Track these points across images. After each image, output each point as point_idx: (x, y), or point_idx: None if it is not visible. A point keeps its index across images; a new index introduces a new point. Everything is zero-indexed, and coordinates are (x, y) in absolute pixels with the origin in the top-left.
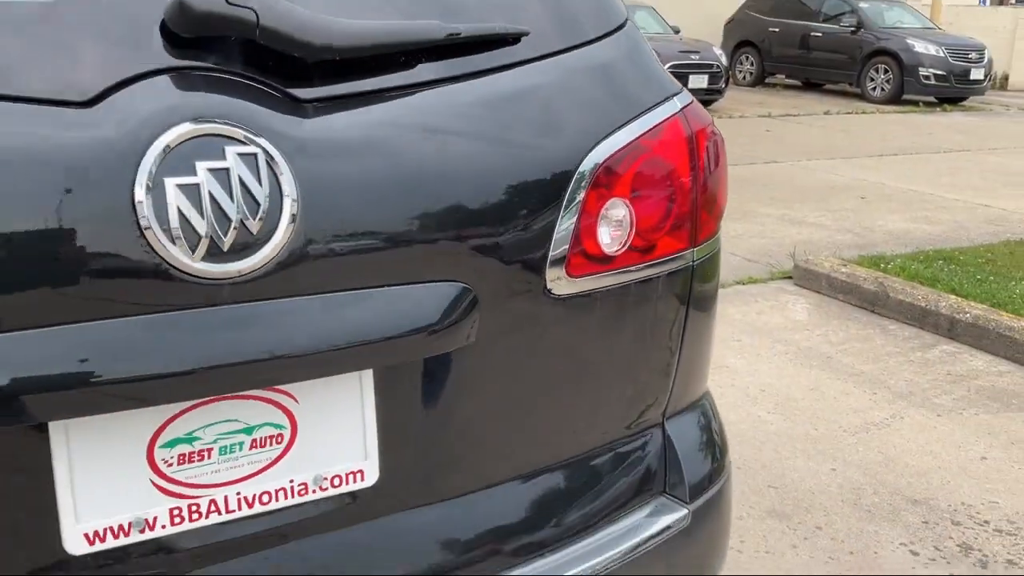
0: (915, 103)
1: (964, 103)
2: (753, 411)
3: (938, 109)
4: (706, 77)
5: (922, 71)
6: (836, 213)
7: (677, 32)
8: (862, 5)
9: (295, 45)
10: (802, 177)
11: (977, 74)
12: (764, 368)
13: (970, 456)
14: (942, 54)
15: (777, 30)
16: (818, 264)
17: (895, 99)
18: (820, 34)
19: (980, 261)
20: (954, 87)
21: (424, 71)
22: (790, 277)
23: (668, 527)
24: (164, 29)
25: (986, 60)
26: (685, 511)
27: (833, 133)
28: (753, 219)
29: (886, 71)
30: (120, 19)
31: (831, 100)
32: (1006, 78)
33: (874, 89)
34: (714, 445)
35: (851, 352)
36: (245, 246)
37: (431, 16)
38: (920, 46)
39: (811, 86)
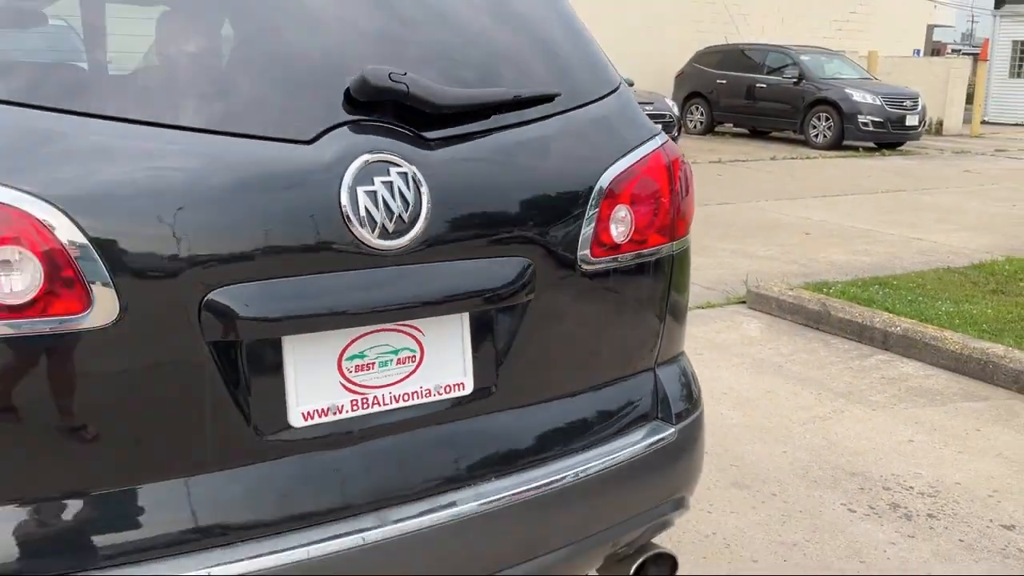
0: (855, 148)
1: (901, 148)
2: (717, 409)
3: (877, 154)
4: (660, 126)
5: (861, 118)
6: (783, 247)
7: (631, 84)
8: (803, 58)
9: (426, 105)
10: (752, 216)
11: (912, 120)
12: (725, 376)
13: (899, 440)
14: (879, 102)
15: (724, 82)
16: (768, 289)
17: (836, 145)
18: (765, 85)
19: (911, 285)
20: (891, 133)
21: (499, 120)
22: (744, 302)
23: (661, 439)
24: (348, 95)
25: (920, 107)
26: (672, 430)
27: (780, 177)
28: (709, 253)
29: (827, 119)
30: (325, 90)
31: (777, 147)
32: (940, 124)
33: (816, 136)
34: (690, 388)
35: (799, 362)
36: (400, 230)
37: (501, 82)
38: (858, 95)
39: (758, 134)
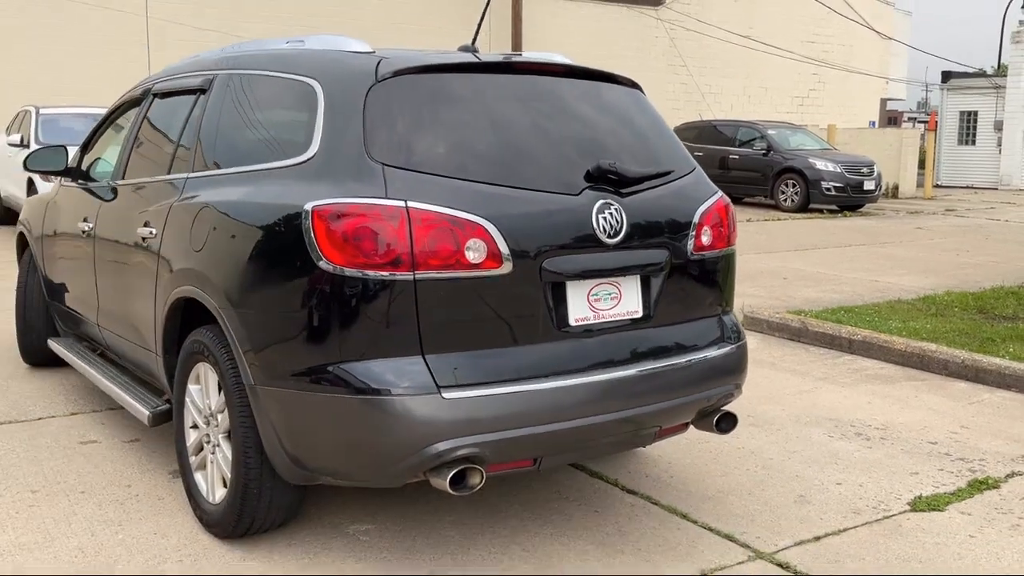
0: (820, 211)
1: (861, 209)
2: None
3: (839, 215)
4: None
5: (824, 184)
6: (766, 288)
7: None
8: (770, 132)
9: (621, 175)
10: (739, 267)
11: (869, 185)
12: None
13: (861, 402)
14: (839, 170)
15: (701, 154)
16: (759, 313)
17: (803, 208)
18: (737, 156)
19: (870, 311)
20: (851, 196)
21: (650, 183)
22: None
23: (729, 349)
24: (588, 172)
25: (876, 173)
26: (734, 346)
27: (755, 235)
28: None
29: (794, 185)
30: (580, 168)
31: (750, 210)
32: (896, 188)
33: (785, 200)
34: (738, 327)
35: (787, 361)
36: (614, 234)
37: (647, 164)
38: (820, 164)
39: (733, 199)
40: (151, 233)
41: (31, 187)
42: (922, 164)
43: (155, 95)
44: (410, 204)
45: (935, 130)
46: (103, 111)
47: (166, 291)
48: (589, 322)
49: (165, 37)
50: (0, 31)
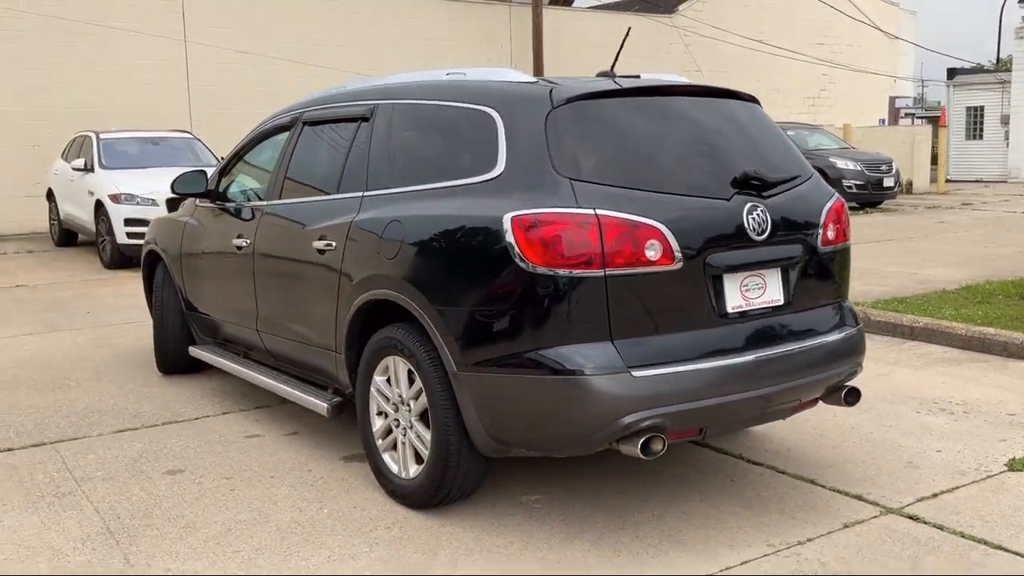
0: None
1: (881, 206)
2: None
3: (861, 212)
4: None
5: (845, 182)
6: None
7: None
8: (789, 133)
9: (763, 180)
10: None
11: (889, 182)
12: None
13: (935, 383)
14: (859, 168)
15: None
16: None
17: None
18: None
19: (920, 302)
20: (872, 193)
21: (783, 187)
22: None
23: (853, 332)
24: (735, 179)
25: (894, 170)
26: (856, 328)
27: None
28: None
29: None
30: (728, 175)
31: None
32: (910, 184)
33: None
34: (855, 312)
35: None
36: (761, 232)
37: (779, 171)
38: (841, 163)
39: None
40: (330, 246)
41: (99, 209)
42: (933, 160)
43: (306, 123)
44: (599, 211)
45: (946, 126)
46: (156, 134)
47: (351, 296)
48: (742, 309)
49: (204, 61)
50: (49, 64)
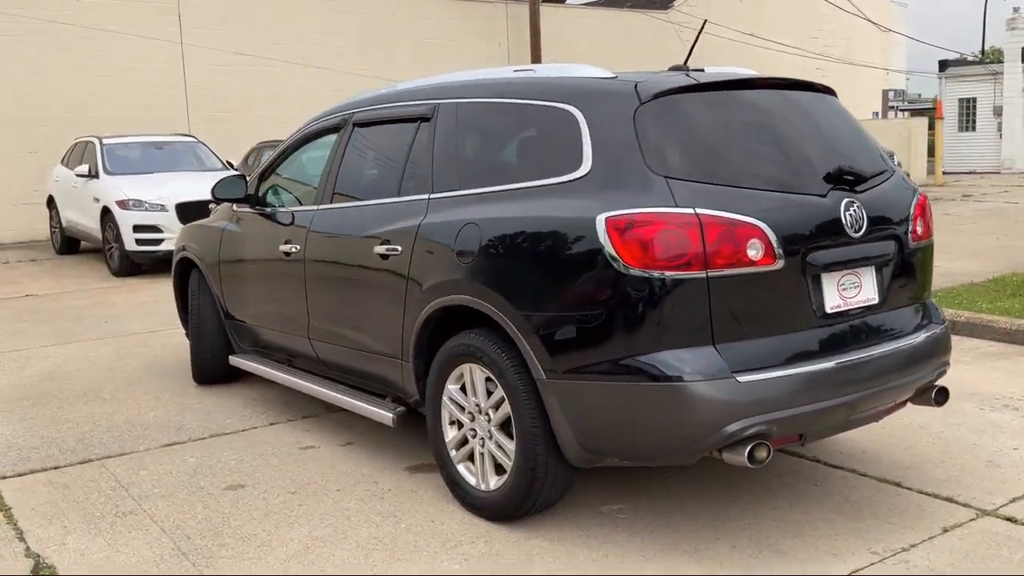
0: None
1: None
2: None
3: None
4: None
5: None
6: None
7: None
8: None
9: (856, 175)
10: None
11: None
12: None
13: (990, 377)
14: None
15: None
16: None
17: None
18: None
19: (952, 295)
20: None
21: (873, 181)
22: None
23: (940, 330)
24: (828, 174)
25: (896, 163)
26: (943, 327)
27: None
28: None
29: None
30: (821, 172)
31: None
32: (908, 175)
33: None
34: (938, 309)
35: None
36: (859, 228)
37: (865, 168)
38: None
39: None
40: (394, 251)
41: (105, 216)
42: (929, 152)
43: (356, 125)
44: (698, 211)
45: (942, 118)
46: (160, 138)
47: (420, 302)
48: (840, 309)
49: (200, 63)
50: (44, 69)
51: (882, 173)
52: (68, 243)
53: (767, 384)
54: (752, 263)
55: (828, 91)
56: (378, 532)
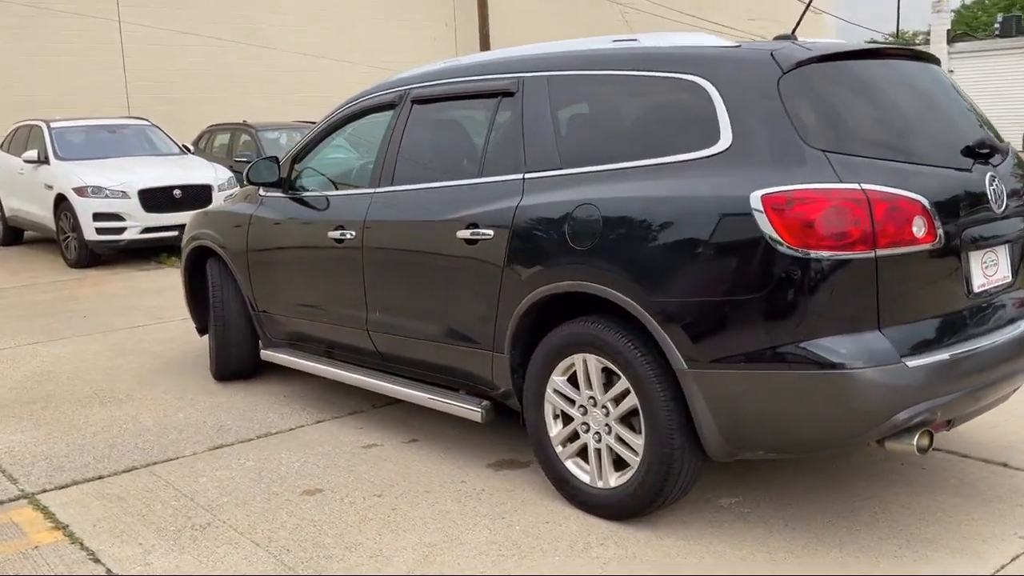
0: None
1: None
2: None
3: None
4: None
5: None
6: None
7: None
8: None
9: (992, 148)
10: None
11: None
12: None
13: None
14: None
15: None
16: None
17: None
18: None
19: None
20: None
21: (1001, 156)
22: None
23: None
24: (967, 148)
25: None
26: None
27: None
28: None
29: None
30: (960, 146)
31: None
32: None
33: None
34: None
35: None
36: (1001, 204)
37: (985, 132)
38: None
39: None
40: (484, 235)
41: (60, 204)
42: None
43: (415, 102)
44: (864, 186)
45: None
46: (110, 122)
47: (521, 289)
48: (984, 288)
49: (140, 43)
50: None
51: (1003, 146)
52: (11, 233)
53: (933, 368)
54: (916, 241)
55: (935, 60)
56: (494, 536)
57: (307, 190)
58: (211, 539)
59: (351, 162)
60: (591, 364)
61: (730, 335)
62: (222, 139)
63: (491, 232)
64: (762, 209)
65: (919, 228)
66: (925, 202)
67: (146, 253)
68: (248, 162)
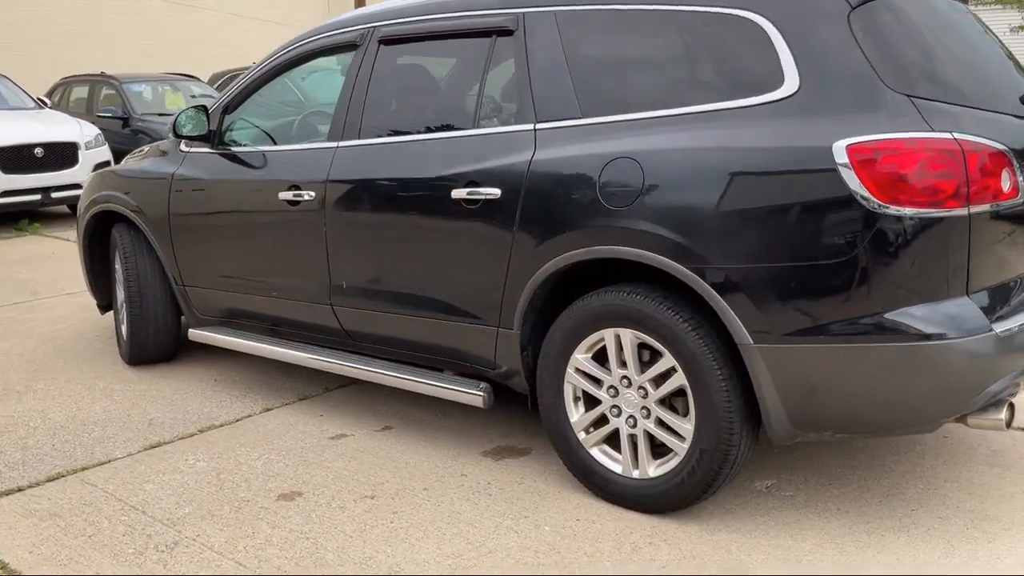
0: None
1: None
2: None
3: None
4: None
5: None
6: None
7: None
8: None
9: None
10: None
11: None
12: None
13: None
14: None
15: None
16: None
17: None
18: None
19: None
20: None
21: None
22: None
23: None
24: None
25: None
26: None
27: None
28: None
29: None
30: (1009, 87)
31: None
32: None
33: None
34: None
35: None
36: None
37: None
38: None
39: None
40: (489, 195)
41: None
42: None
43: (383, 42)
44: (956, 135)
45: None
46: None
47: (538, 257)
48: None
49: None
50: None
51: None
52: None
53: (1019, 336)
54: (1004, 196)
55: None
56: (524, 540)
57: (242, 144)
58: (184, 562)
59: (298, 112)
60: (626, 340)
61: (807, 305)
62: (79, 92)
63: (497, 191)
64: (848, 162)
65: (1006, 182)
66: (1010, 154)
67: (3, 220)
68: (114, 118)
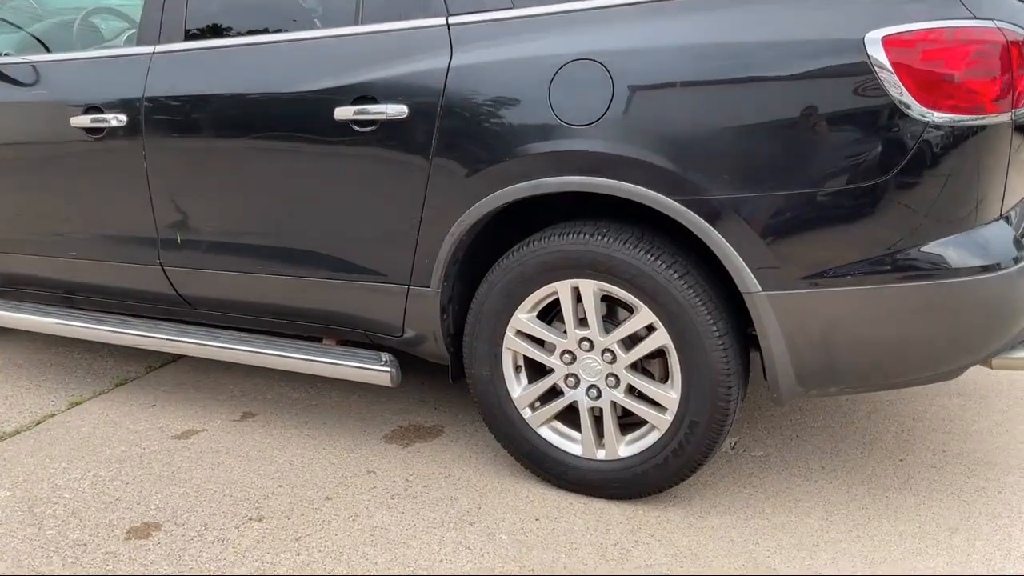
0: None
1: None
2: None
3: None
4: None
5: None
6: None
7: None
8: None
9: None
10: None
11: None
12: None
13: None
14: None
15: None
16: None
17: None
18: None
19: None
20: None
21: None
22: None
23: None
24: None
25: None
26: None
27: None
28: None
29: None
30: None
31: None
32: None
33: None
34: None
35: None
36: None
37: None
38: None
39: None
40: (392, 114)
41: None
42: None
43: None
44: (999, 24)
45: None
46: None
47: (467, 192)
48: None
49: None
50: None
51: None
52: None
53: None
54: None
55: None
56: (480, 558)
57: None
58: None
59: (76, 10)
60: (587, 293)
61: (829, 241)
62: None
63: (403, 109)
64: (884, 56)
65: None
66: None
67: None
68: None
